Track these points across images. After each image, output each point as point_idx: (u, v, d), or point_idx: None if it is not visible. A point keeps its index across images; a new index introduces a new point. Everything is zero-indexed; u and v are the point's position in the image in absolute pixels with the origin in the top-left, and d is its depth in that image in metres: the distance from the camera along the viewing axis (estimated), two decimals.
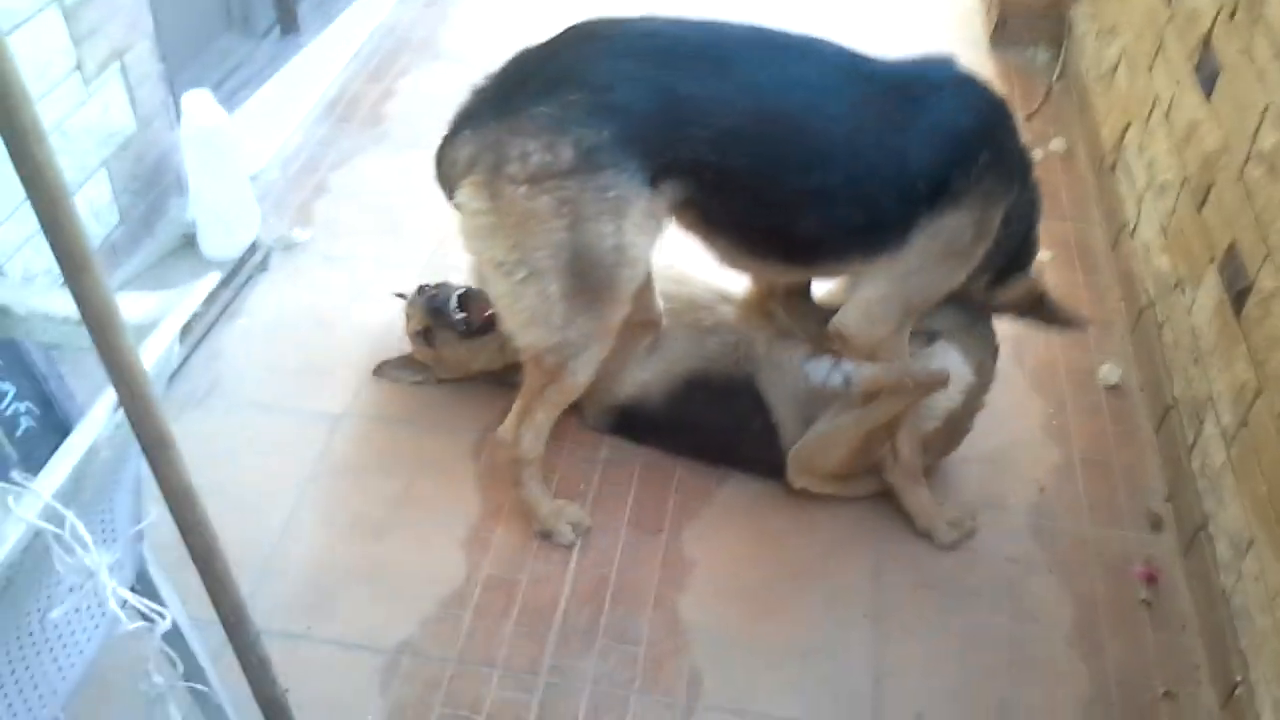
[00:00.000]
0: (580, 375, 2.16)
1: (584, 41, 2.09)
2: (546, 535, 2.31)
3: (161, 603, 1.59)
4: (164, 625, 1.29)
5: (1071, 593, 2.25)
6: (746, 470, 2.46)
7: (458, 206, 2.10)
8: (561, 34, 2.12)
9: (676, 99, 1.99)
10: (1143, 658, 2.14)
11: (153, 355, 1.32)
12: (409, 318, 2.66)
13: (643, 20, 2.11)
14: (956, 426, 2.41)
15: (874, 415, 2.26)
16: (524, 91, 2.03)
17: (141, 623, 1.29)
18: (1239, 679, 1.99)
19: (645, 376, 2.45)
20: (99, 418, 1.22)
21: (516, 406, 2.26)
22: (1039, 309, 2.40)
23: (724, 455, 2.47)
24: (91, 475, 1.24)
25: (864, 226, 2.11)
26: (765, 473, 2.42)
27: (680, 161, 2.00)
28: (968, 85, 2.15)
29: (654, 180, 2.00)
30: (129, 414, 1.19)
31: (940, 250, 2.14)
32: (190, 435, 2.50)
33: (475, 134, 2.05)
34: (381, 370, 2.70)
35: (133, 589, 1.54)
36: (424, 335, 2.61)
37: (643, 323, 2.37)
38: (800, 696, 2.06)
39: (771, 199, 2.08)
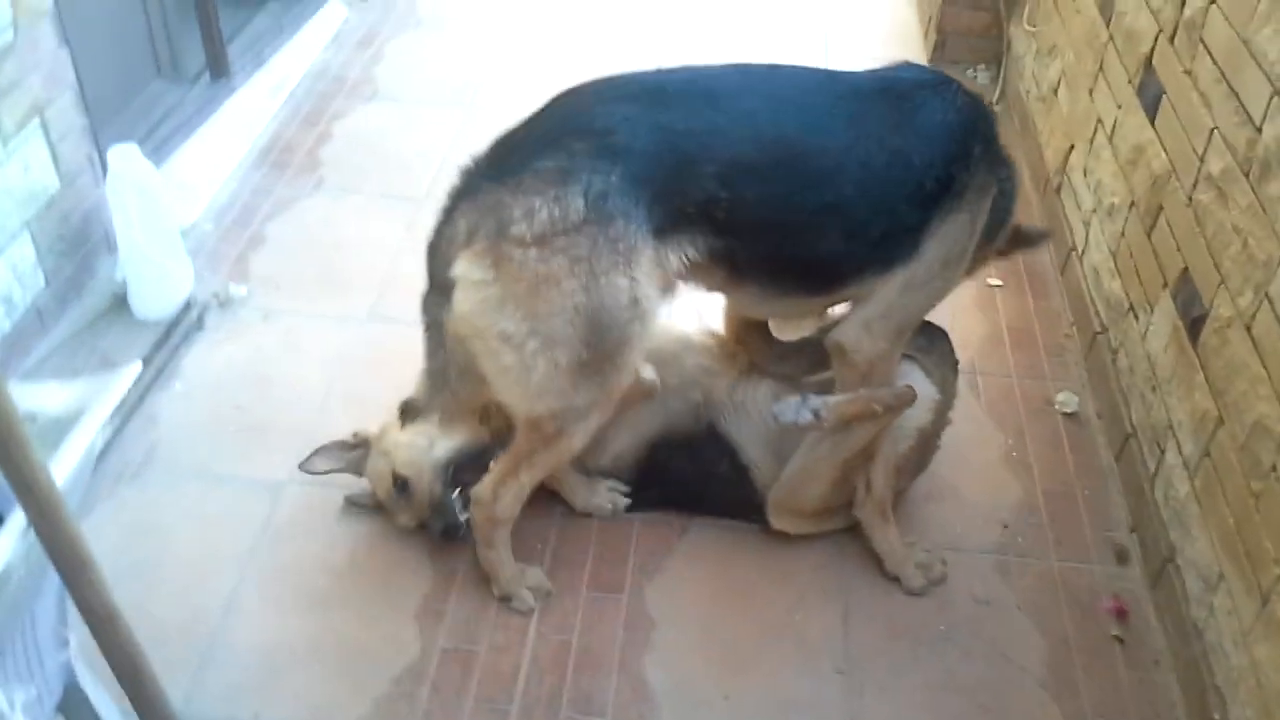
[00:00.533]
0: (577, 441, 2.06)
1: (570, 97, 2.03)
2: (506, 600, 2.23)
3: (92, 713, 1.49)
4: None
5: (1042, 632, 2.21)
6: (718, 514, 2.39)
7: (457, 280, 1.94)
8: (543, 105, 2.05)
9: (676, 136, 1.92)
10: (1118, 697, 2.11)
11: (71, 460, 1.23)
12: (382, 454, 2.35)
13: (619, 75, 2.05)
14: (928, 444, 2.38)
15: (848, 443, 2.21)
16: (520, 152, 1.94)
17: None
18: (1216, 716, 1.96)
19: (618, 448, 2.37)
20: (6, 543, 1.13)
21: (501, 466, 2.15)
22: (1014, 242, 2.36)
23: (694, 503, 2.41)
24: (2, 604, 1.15)
25: (883, 236, 2.06)
26: (737, 514, 2.36)
27: (691, 204, 1.92)
28: (948, 83, 2.12)
29: (664, 231, 1.92)
30: (40, 535, 1.10)
31: (945, 254, 2.11)
32: (125, 509, 2.42)
33: (472, 203, 1.92)
34: (312, 463, 2.39)
35: (60, 707, 1.44)
36: (402, 486, 2.31)
37: (635, 390, 2.26)
38: None
39: (791, 223, 2.01)
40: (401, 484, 2.30)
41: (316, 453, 2.40)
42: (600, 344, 1.92)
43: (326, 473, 2.39)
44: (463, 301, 1.95)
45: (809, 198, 1.99)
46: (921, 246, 2.08)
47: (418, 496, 2.29)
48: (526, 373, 1.94)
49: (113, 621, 1.22)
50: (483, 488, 2.16)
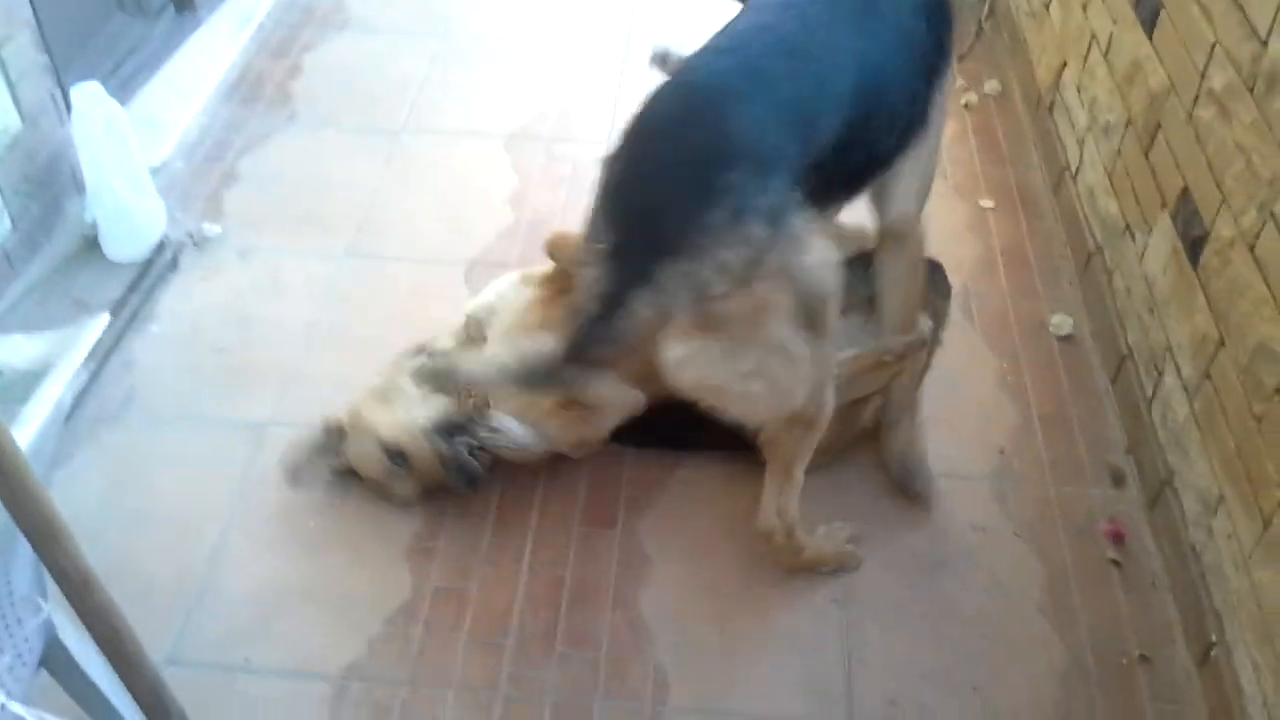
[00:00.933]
0: (830, 406, 1.99)
1: (678, 124, 1.80)
2: (841, 567, 2.17)
3: (77, 673, 1.45)
4: None
5: (1039, 557, 2.19)
6: (715, 448, 2.34)
7: (669, 364, 1.84)
8: (638, 140, 1.83)
9: (797, 109, 1.78)
10: (1116, 620, 2.10)
11: (39, 415, 1.17)
12: (364, 434, 2.23)
13: (695, 75, 1.87)
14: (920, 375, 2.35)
15: (851, 391, 2.17)
16: (669, 214, 1.73)
17: None
18: (1214, 639, 1.95)
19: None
20: None
21: (771, 487, 2.07)
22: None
23: (691, 440, 2.35)
24: None
25: (910, 119, 2.00)
26: (733, 446, 2.30)
27: (816, 156, 1.81)
28: None
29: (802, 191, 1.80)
30: (5, 500, 1.05)
31: (942, 104, 2.09)
32: (106, 455, 2.36)
33: (649, 290, 1.71)
34: (298, 478, 2.27)
35: (44, 662, 1.40)
36: (398, 457, 2.21)
37: None
38: (771, 691, 1.98)
39: (864, 136, 1.92)
40: (397, 455, 2.21)
41: (297, 466, 2.27)
42: (814, 315, 1.84)
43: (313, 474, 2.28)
44: (687, 374, 1.86)
45: (878, 106, 1.92)
46: (929, 114, 2.04)
47: (420, 461, 2.20)
48: (773, 386, 1.87)
49: (89, 586, 1.17)
50: (766, 517, 2.09)
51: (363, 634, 2.04)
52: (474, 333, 2.38)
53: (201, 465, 2.34)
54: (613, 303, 1.72)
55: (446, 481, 2.20)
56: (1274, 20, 1.93)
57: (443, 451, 2.18)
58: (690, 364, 1.83)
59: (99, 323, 1.37)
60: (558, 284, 2.32)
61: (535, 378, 1.84)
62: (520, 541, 2.20)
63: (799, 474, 2.07)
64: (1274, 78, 1.91)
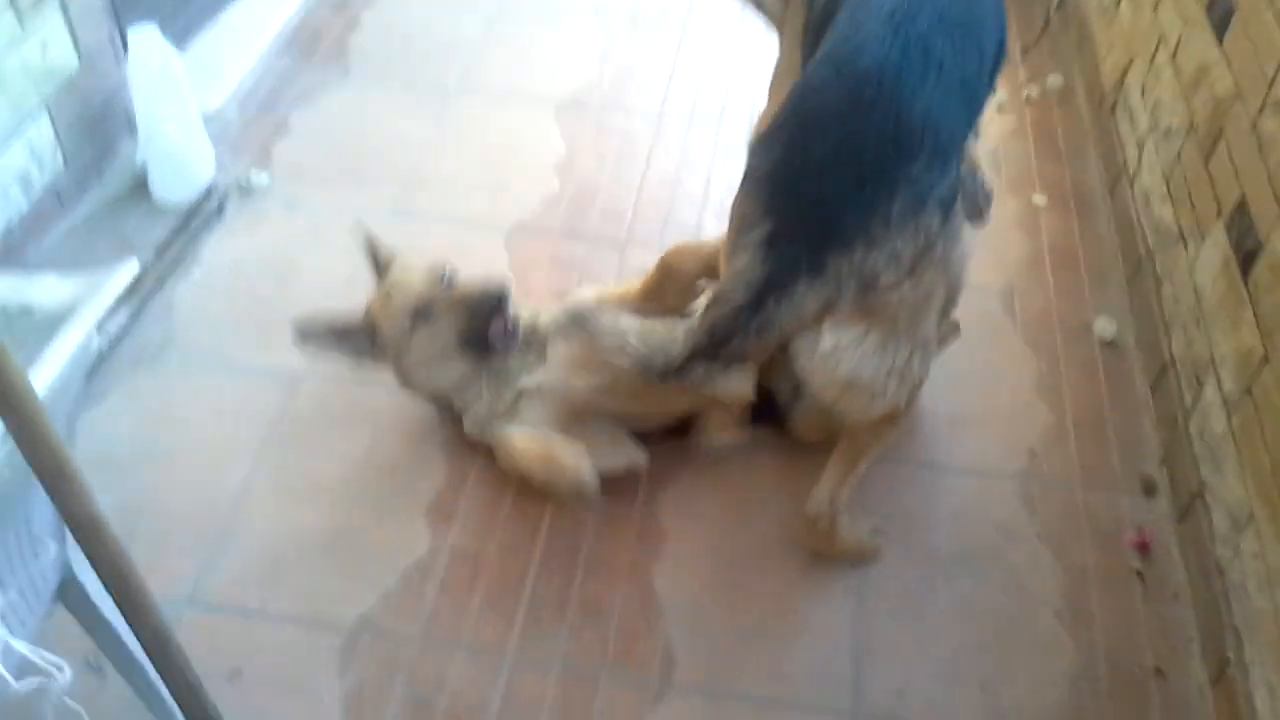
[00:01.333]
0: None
1: (859, 107, 1.74)
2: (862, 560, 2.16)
3: (93, 611, 1.48)
4: (63, 680, 1.16)
5: (1061, 562, 2.16)
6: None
7: (822, 354, 1.82)
8: (794, 134, 1.79)
9: (956, 76, 1.77)
10: (1133, 630, 2.06)
11: (59, 359, 1.19)
12: (393, 287, 2.18)
13: (856, 52, 1.80)
14: None
15: None
16: (848, 204, 1.71)
17: (35, 679, 1.15)
18: (1231, 657, 1.92)
19: None
20: None
21: (835, 474, 2.06)
22: None
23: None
24: None
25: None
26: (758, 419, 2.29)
27: None
28: None
29: None
30: (19, 442, 1.06)
31: None
32: (141, 396, 2.40)
33: (819, 279, 1.72)
34: (305, 333, 2.19)
35: (60, 598, 1.43)
36: (424, 313, 2.15)
37: None
38: (777, 677, 1.97)
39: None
40: (423, 310, 2.14)
41: (307, 325, 2.20)
42: (949, 307, 1.88)
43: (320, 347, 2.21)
44: (839, 367, 1.84)
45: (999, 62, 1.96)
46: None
47: (446, 305, 2.14)
48: (905, 382, 1.88)
49: (98, 531, 1.18)
50: (819, 501, 2.07)
51: (377, 588, 2.06)
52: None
53: (233, 410, 2.37)
54: (770, 291, 1.71)
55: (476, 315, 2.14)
56: None
57: (469, 291, 2.15)
58: (843, 356, 1.81)
59: (129, 267, 1.38)
60: (655, 300, 2.26)
61: (665, 366, 1.81)
62: (540, 510, 2.21)
63: (864, 467, 2.06)
64: None
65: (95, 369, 2.42)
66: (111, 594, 1.24)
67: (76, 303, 1.28)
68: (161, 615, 1.30)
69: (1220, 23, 2.41)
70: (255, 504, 2.20)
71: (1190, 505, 2.17)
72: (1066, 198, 2.98)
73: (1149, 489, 2.29)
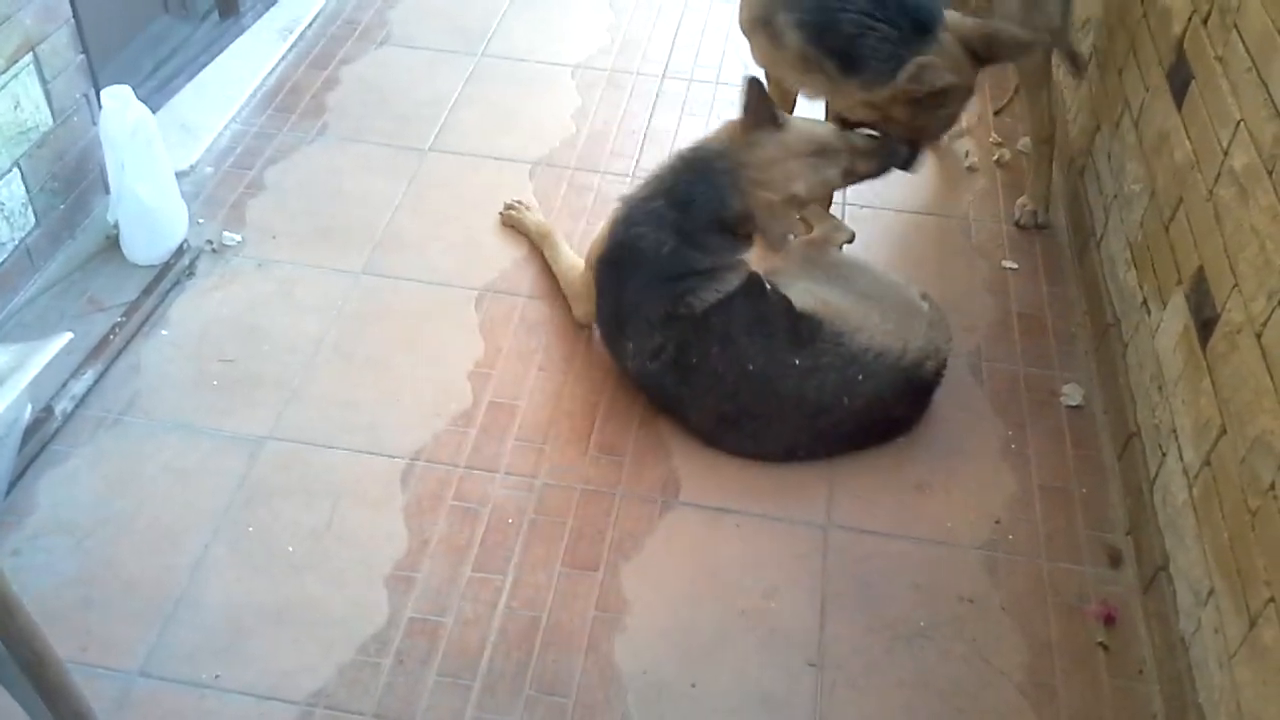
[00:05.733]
0: None
1: None
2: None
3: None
4: None
5: (1025, 634, 2.14)
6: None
7: None
8: None
9: None
10: (1097, 706, 2.05)
11: None
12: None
13: None
14: None
15: None
16: None
17: None
18: None
19: None
20: None
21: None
22: None
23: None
24: None
25: None
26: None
27: None
28: None
29: None
30: None
31: None
32: (103, 458, 2.39)
33: None
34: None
35: None
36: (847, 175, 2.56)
37: None
38: None
39: None
40: (849, 127, 2.60)
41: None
42: None
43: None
44: None
45: None
46: None
47: (867, 142, 2.56)
48: None
49: (11, 610, 1.16)
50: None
51: (334, 660, 2.04)
52: None
53: (195, 475, 2.36)
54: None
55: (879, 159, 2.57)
56: None
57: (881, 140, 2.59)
58: None
59: (59, 341, 1.37)
60: None
61: None
62: (501, 578, 2.19)
63: None
64: None
65: (58, 431, 2.41)
66: (29, 677, 1.22)
67: (4, 375, 1.27)
68: (81, 698, 1.27)
69: (1179, 89, 2.44)
70: (213, 571, 2.18)
71: (1154, 577, 2.16)
72: (1036, 261, 3.00)
73: (1114, 560, 2.28)
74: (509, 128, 3.41)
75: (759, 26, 2.63)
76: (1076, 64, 3.10)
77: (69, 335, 1.69)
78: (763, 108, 2.45)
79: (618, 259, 2.51)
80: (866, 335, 2.41)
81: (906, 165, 2.63)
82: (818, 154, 2.46)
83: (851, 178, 2.57)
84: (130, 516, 2.27)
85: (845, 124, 2.63)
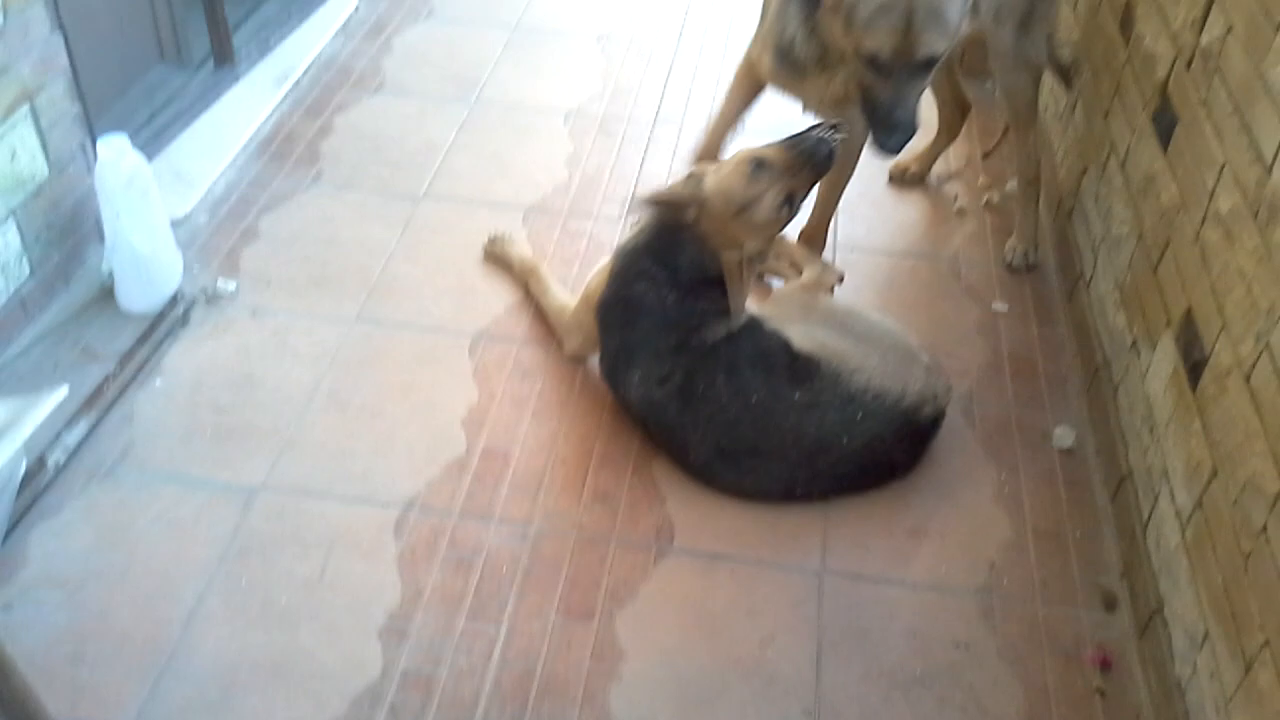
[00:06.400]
0: None
1: None
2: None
3: None
4: None
5: (1022, 681, 2.14)
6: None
7: None
8: None
9: None
10: None
11: None
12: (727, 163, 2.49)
13: None
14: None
15: None
16: None
17: None
18: None
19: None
20: None
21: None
22: None
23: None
24: None
25: None
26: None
27: None
28: None
29: None
30: None
31: None
32: (96, 510, 2.38)
33: None
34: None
35: None
36: (758, 164, 2.44)
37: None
38: None
39: None
40: (757, 163, 2.44)
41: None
42: None
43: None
44: None
45: None
46: None
47: (778, 159, 2.44)
48: None
49: (6, 677, 1.16)
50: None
51: (327, 714, 2.03)
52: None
53: (188, 526, 2.35)
54: None
55: (808, 165, 2.46)
56: (1279, 148, 1.91)
57: (803, 139, 2.47)
58: None
59: (55, 396, 1.38)
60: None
61: None
62: (495, 628, 2.18)
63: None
64: (1275, 207, 1.89)
65: (50, 484, 2.41)
66: None
67: (1, 430, 1.27)
68: None
69: (1165, 132, 2.47)
70: (206, 624, 2.17)
71: (1150, 621, 2.16)
72: (1026, 304, 3.02)
73: (1109, 603, 2.28)
74: (502, 174, 3.43)
75: (770, 36, 2.70)
76: (1067, 77, 3.14)
77: (65, 389, 1.70)
78: (671, 208, 2.46)
79: (624, 307, 2.54)
80: (865, 376, 2.42)
81: (830, 149, 2.49)
82: (746, 209, 2.43)
83: (798, 197, 2.50)
84: (123, 569, 2.26)
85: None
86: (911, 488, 2.49)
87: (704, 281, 2.44)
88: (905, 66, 2.40)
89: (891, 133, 2.48)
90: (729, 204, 2.43)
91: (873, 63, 2.40)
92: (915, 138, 2.54)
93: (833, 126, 2.49)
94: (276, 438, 2.55)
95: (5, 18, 2.54)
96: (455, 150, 3.53)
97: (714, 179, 2.47)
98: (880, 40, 2.35)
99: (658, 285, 2.48)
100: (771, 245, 2.58)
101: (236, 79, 3.71)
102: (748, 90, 2.96)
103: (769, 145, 2.52)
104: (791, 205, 2.47)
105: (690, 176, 2.50)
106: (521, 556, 2.32)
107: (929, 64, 2.42)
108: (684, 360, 2.44)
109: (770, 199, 2.43)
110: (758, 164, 2.45)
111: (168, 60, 3.60)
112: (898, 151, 2.57)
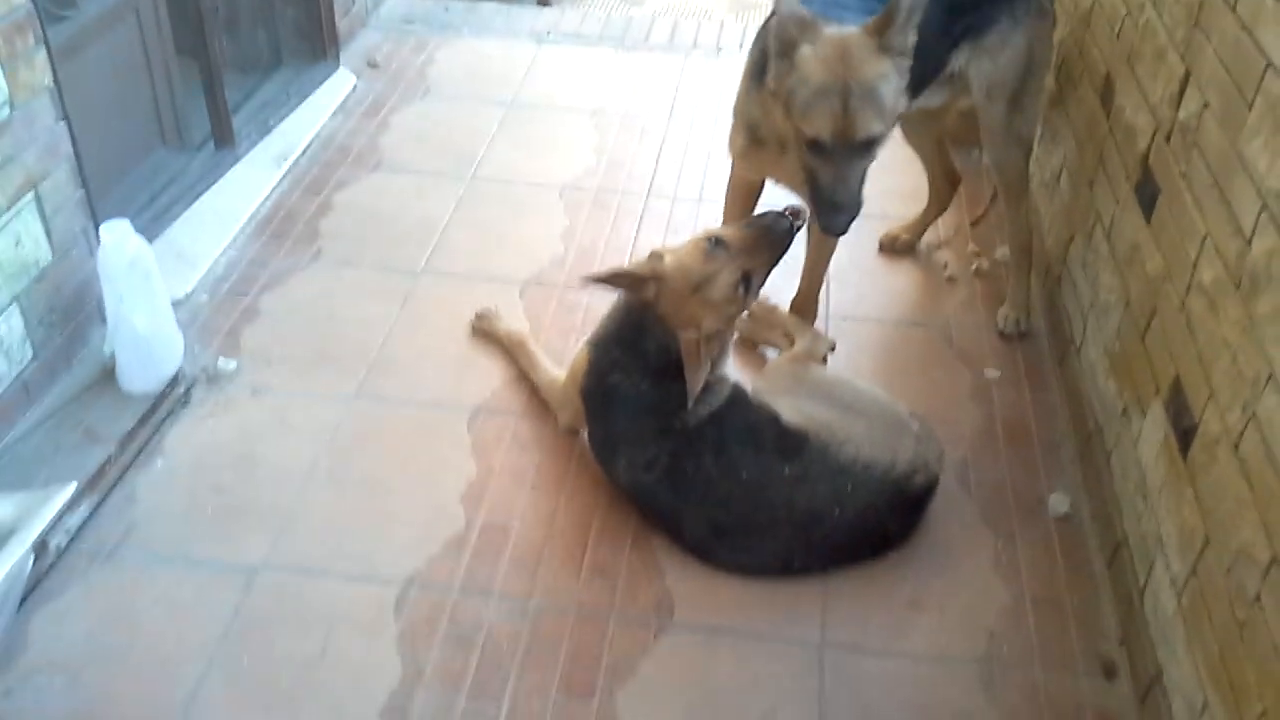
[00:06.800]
0: None
1: None
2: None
3: None
4: None
5: None
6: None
7: None
8: None
9: None
10: None
11: None
12: (720, 264, 2.45)
13: None
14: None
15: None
16: None
17: None
18: None
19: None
20: None
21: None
22: None
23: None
24: None
25: None
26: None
27: None
28: None
29: None
30: None
31: None
32: (96, 593, 2.39)
33: None
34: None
35: None
36: (715, 242, 2.47)
37: None
38: None
39: None
40: (714, 241, 2.48)
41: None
42: None
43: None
44: None
45: None
46: None
47: (736, 239, 2.48)
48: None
49: None
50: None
51: None
52: None
53: (189, 607, 2.36)
54: None
55: (765, 245, 2.49)
56: (1257, 219, 1.95)
57: (760, 220, 2.53)
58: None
59: (63, 493, 1.40)
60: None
61: None
62: (496, 707, 2.18)
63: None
64: (1256, 278, 1.93)
65: (52, 567, 2.41)
66: None
67: (12, 525, 1.29)
68: None
69: (1147, 203, 2.52)
70: (207, 706, 2.17)
71: (1150, 689, 2.16)
72: (1019, 370, 3.05)
73: (1109, 671, 2.28)
74: (499, 248, 3.49)
75: (740, 123, 2.75)
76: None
77: (72, 486, 1.71)
78: (632, 285, 2.49)
79: (602, 398, 2.58)
80: (854, 447, 2.45)
81: (792, 226, 2.54)
82: (701, 287, 2.44)
83: (756, 277, 2.50)
84: (124, 651, 2.27)
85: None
86: (909, 557, 2.50)
87: (675, 365, 2.44)
88: (845, 148, 2.41)
89: (835, 213, 2.49)
90: (686, 280, 2.44)
91: (814, 146, 2.42)
92: (897, 209, 2.59)
93: (794, 213, 2.53)
94: (277, 516, 2.57)
95: (11, 109, 2.60)
96: (453, 226, 3.58)
97: (672, 257, 2.50)
98: (819, 124, 2.38)
99: (630, 374, 2.51)
100: (732, 327, 2.57)
101: (236, 159, 3.78)
102: (741, 187, 2.99)
103: (729, 225, 2.59)
104: (749, 285, 2.47)
105: (652, 255, 2.54)
106: (522, 633, 2.32)
107: (869, 145, 2.44)
108: (668, 444, 2.46)
109: (726, 276, 2.44)
110: (715, 241, 2.47)
111: (169, 144, 3.67)
112: (843, 232, 2.57)
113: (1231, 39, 2.15)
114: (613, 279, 2.52)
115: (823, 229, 2.60)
